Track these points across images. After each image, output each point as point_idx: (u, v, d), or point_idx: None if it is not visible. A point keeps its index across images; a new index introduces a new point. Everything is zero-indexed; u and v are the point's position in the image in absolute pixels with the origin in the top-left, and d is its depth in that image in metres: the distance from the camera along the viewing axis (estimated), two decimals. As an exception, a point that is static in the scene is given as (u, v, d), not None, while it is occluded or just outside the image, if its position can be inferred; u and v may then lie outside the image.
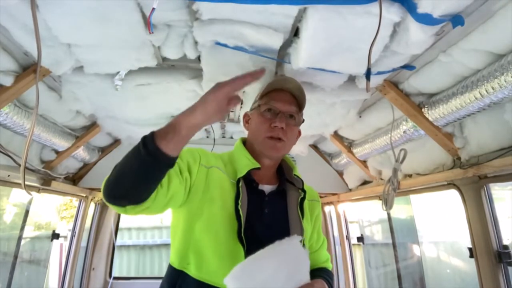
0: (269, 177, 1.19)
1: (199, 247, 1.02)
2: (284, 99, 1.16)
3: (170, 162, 0.81)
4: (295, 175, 1.20)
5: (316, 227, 1.29)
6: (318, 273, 1.16)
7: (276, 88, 1.18)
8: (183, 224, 1.07)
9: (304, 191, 1.18)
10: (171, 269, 1.08)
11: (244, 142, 1.23)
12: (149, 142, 0.78)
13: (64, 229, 3.81)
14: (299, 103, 1.19)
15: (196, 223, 1.04)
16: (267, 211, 1.11)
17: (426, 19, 1.13)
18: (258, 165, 1.11)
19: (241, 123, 1.30)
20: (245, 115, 1.26)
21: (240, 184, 1.07)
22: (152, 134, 0.79)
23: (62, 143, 2.16)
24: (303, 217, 1.14)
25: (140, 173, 0.80)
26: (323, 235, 1.34)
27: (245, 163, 1.12)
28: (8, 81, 1.47)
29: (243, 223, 1.01)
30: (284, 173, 1.22)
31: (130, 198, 0.85)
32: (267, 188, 1.16)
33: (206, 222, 1.03)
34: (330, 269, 1.28)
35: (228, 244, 1.01)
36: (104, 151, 2.88)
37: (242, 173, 1.09)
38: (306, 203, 1.20)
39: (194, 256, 1.02)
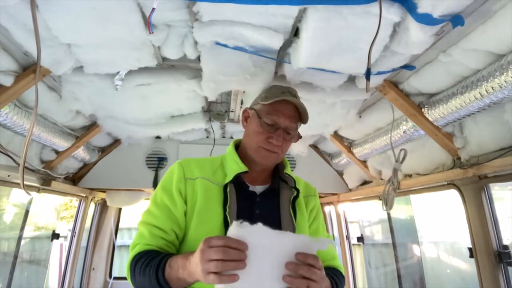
0: (263, 177, 1.18)
1: None
2: (287, 114, 1.12)
3: None
4: (286, 173, 1.18)
5: (315, 221, 1.24)
6: (327, 271, 1.00)
7: (281, 98, 1.12)
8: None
9: (297, 190, 1.16)
10: None
11: (238, 144, 1.22)
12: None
13: (64, 229, 3.81)
14: (301, 118, 1.16)
15: (187, 235, 1.06)
16: (258, 212, 1.10)
17: (426, 19, 1.13)
18: (245, 169, 1.10)
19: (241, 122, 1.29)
20: (245, 111, 1.21)
21: (228, 189, 1.08)
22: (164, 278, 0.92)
23: (62, 143, 2.16)
24: (295, 216, 1.12)
25: None
26: (327, 233, 1.30)
27: (233, 167, 1.12)
28: (8, 81, 1.47)
29: None
30: (278, 171, 1.21)
31: None
32: (258, 188, 1.15)
33: (195, 234, 1.04)
34: (342, 271, 1.17)
35: None
36: (104, 151, 2.88)
37: (229, 178, 1.10)
38: (301, 200, 1.19)
39: None
